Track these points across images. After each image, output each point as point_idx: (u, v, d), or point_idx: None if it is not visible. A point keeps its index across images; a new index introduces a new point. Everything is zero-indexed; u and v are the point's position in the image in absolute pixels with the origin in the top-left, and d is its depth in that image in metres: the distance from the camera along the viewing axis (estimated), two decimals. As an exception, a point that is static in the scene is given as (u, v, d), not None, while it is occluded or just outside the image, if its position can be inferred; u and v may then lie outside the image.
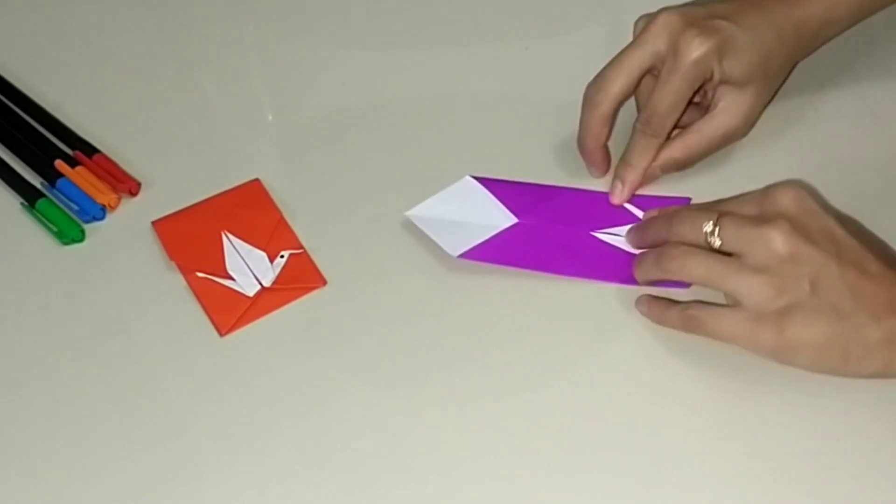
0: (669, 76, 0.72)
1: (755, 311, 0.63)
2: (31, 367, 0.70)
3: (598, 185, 0.77)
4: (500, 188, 0.76)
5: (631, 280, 0.71)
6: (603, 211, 0.75)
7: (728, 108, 0.74)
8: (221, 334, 0.71)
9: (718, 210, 0.66)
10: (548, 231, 0.74)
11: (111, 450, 0.66)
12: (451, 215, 0.75)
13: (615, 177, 0.75)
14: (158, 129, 0.83)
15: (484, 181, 0.76)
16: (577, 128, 0.76)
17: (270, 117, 0.87)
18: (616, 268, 0.72)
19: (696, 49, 0.71)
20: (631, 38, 0.74)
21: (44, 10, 0.92)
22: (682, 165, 0.76)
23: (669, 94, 0.72)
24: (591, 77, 0.75)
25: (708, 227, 0.65)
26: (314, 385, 0.68)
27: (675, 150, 0.75)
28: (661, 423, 0.65)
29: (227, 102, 0.87)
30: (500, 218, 0.75)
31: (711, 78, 0.73)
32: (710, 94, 0.75)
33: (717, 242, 0.65)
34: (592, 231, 0.74)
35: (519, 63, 0.86)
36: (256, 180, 0.78)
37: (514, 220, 0.75)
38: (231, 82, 0.88)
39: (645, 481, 0.63)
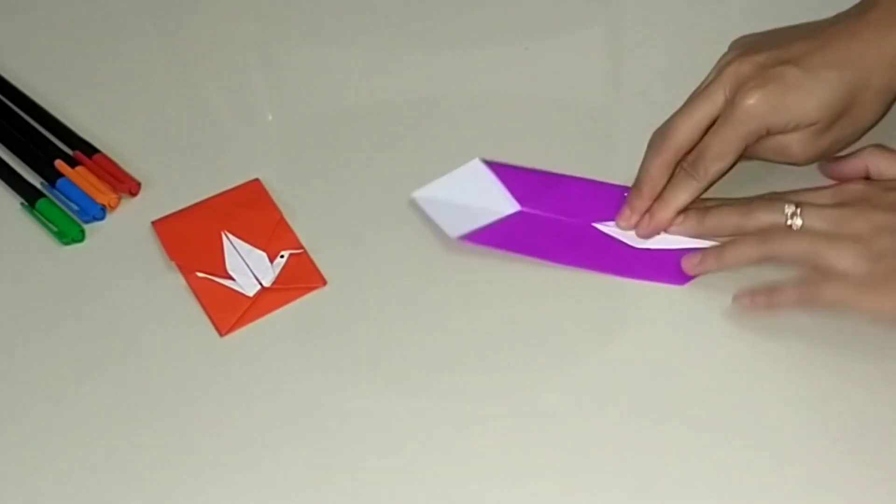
0: (722, 125, 0.71)
1: (864, 276, 0.65)
2: (31, 367, 0.70)
3: (606, 176, 0.76)
4: (507, 173, 0.76)
5: (628, 272, 0.71)
6: (608, 202, 0.74)
7: (792, 137, 0.72)
8: (221, 334, 0.71)
9: (794, 201, 0.68)
10: (549, 220, 0.74)
11: (111, 450, 0.66)
12: (455, 198, 0.75)
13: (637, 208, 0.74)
14: (158, 129, 0.83)
15: (493, 165, 0.76)
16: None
17: (270, 117, 0.87)
18: (615, 260, 0.72)
19: (751, 103, 0.70)
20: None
21: (44, 10, 0.92)
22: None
23: (718, 142, 0.71)
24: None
25: (790, 210, 0.67)
26: (314, 385, 0.68)
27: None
28: (660, 422, 0.65)
29: (227, 102, 0.87)
30: (503, 204, 0.75)
31: (769, 131, 0.71)
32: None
33: (798, 223, 0.67)
34: (594, 222, 0.74)
35: (519, 63, 0.86)
36: (256, 180, 0.78)
37: (518, 207, 0.75)
38: (231, 82, 0.88)
39: (645, 481, 0.63)
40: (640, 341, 0.69)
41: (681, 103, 0.73)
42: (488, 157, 0.79)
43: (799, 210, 0.67)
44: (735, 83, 0.71)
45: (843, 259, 0.65)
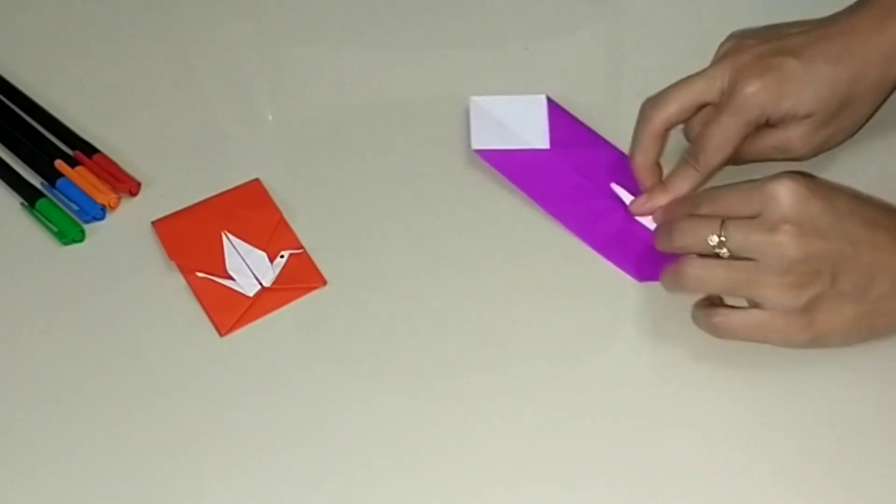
0: (721, 114, 0.71)
1: (782, 312, 0.64)
2: (31, 367, 0.70)
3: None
4: (559, 117, 0.79)
5: (601, 248, 0.73)
6: (632, 177, 0.75)
7: (792, 131, 0.72)
8: (221, 334, 0.71)
9: (718, 216, 0.65)
10: (564, 170, 0.76)
11: (111, 450, 0.66)
12: (502, 116, 0.79)
13: (646, 190, 0.74)
14: (158, 129, 0.83)
15: (552, 106, 0.79)
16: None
17: (270, 117, 0.87)
18: (598, 233, 0.73)
19: (750, 91, 0.70)
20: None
21: (44, 10, 0.92)
22: (735, 158, 0.73)
23: (718, 132, 0.71)
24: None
25: (713, 241, 0.65)
26: (314, 385, 0.68)
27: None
28: (660, 422, 0.65)
29: (227, 102, 0.87)
30: (537, 138, 0.77)
31: (768, 121, 0.71)
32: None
33: (725, 254, 0.65)
34: (612, 182, 0.75)
35: (519, 63, 0.86)
36: (256, 180, 0.78)
37: (547, 146, 0.77)
38: (231, 82, 0.88)
39: (645, 480, 0.63)
40: (641, 341, 0.69)
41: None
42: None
43: (724, 239, 0.64)
44: (734, 71, 0.71)
45: (766, 296, 0.64)
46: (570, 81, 0.83)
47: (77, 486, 0.65)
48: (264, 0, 0.93)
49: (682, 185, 0.73)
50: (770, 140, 0.73)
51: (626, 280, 0.72)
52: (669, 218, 0.70)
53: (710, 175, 0.73)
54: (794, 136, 0.72)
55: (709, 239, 0.65)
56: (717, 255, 0.65)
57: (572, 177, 0.76)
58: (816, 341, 0.65)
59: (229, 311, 0.72)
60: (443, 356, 0.69)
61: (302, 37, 0.91)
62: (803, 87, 0.70)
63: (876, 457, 0.63)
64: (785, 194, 0.64)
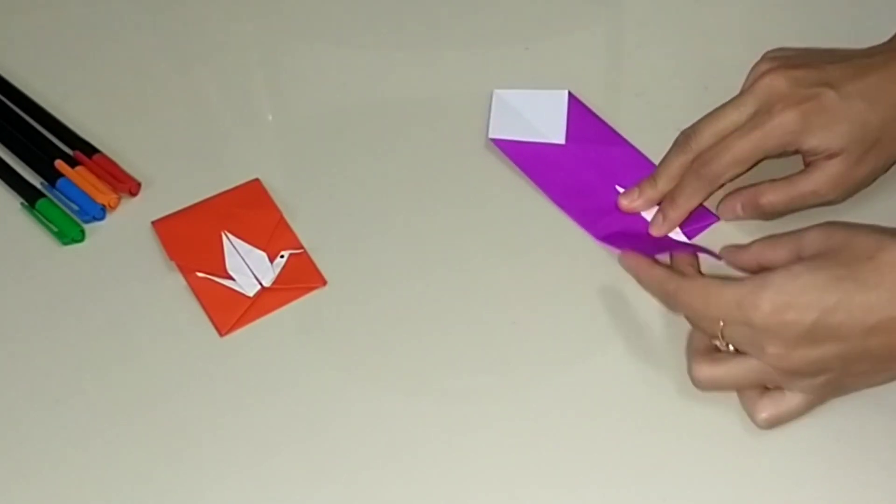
0: (748, 132, 0.70)
1: (805, 391, 0.63)
2: (31, 367, 0.70)
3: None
4: (579, 114, 0.80)
5: (614, 242, 0.73)
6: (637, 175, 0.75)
7: (820, 171, 0.70)
8: (221, 334, 0.71)
9: (714, 317, 0.63)
10: (580, 167, 0.77)
11: (111, 450, 0.66)
12: (523, 109, 0.80)
13: (659, 209, 0.74)
14: (158, 129, 0.83)
15: (573, 101, 0.80)
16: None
17: (270, 117, 0.87)
18: (610, 229, 0.74)
19: (784, 120, 0.69)
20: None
21: (44, 10, 0.92)
22: (765, 213, 0.73)
23: (738, 148, 0.70)
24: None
25: (719, 344, 0.64)
26: (314, 385, 0.68)
27: (761, 193, 0.72)
28: (660, 422, 0.65)
29: (227, 102, 0.87)
30: (555, 133, 0.78)
31: (797, 151, 0.70)
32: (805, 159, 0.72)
33: (732, 349, 0.64)
34: (618, 185, 0.76)
35: (519, 63, 0.86)
36: (256, 180, 0.78)
37: (563, 142, 0.78)
38: (231, 82, 0.88)
39: (644, 480, 0.63)
40: (641, 342, 0.69)
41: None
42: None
43: (726, 342, 0.63)
44: (769, 97, 0.70)
45: (783, 384, 0.63)
46: (570, 81, 0.83)
47: (77, 486, 0.65)
48: (264, 0, 0.93)
49: (692, 199, 0.72)
50: (800, 186, 0.71)
51: (626, 280, 0.72)
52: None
53: (716, 188, 0.72)
54: (823, 177, 0.70)
55: (712, 341, 0.64)
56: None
57: (584, 172, 0.77)
58: (850, 392, 0.65)
59: (229, 311, 0.72)
60: (443, 356, 0.69)
61: (302, 37, 0.91)
62: (838, 122, 0.69)
63: (876, 458, 0.63)
64: (768, 319, 0.61)
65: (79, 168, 0.79)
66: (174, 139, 0.83)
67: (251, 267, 0.74)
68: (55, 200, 0.78)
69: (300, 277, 0.73)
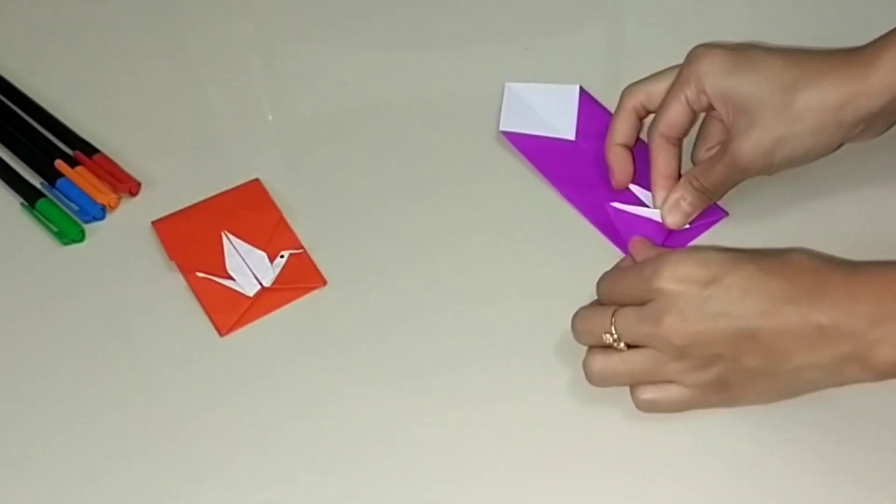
0: (675, 77, 0.72)
1: (693, 387, 0.63)
2: (31, 367, 0.70)
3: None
4: (590, 109, 0.80)
5: (621, 242, 0.73)
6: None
7: (737, 136, 0.70)
8: (221, 334, 0.71)
9: (613, 303, 0.64)
10: (588, 162, 0.77)
11: (111, 450, 0.66)
12: (534, 103, 0.81)
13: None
14: (158, 129, 0.83)
15: (584, 96, 0.81)
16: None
17: (270, 117, 0.87)
18: (613, 227, 0.74)
19: (696, 54, 0.71)
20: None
21: (44, 10, 0.92)
22: (705, 192, 0.72)
23: (668, 95, 0.72)
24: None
25: (608, 339, 0.64)
26: (314, 385, 0.68)
27: (692, 175, 0.73)
28: (660, 422, 0.65)
29: (227, 102, 0.87)
30: (565, 129, 0.79)
31: (706, 92, 0.70)
32: (727, 121, 0.71)
33: (623, 347, 0.64)
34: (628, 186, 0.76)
35: (519, 63, 0.86)
36: (256, 180, 0.78)
37: (573, 138, 0.79)
38: (231, 82, 0.88)
39: (644, 480, 0.63)
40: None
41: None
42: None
43: (616, 335, 0.63)
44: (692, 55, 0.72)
45: (673, 377, 0.63)
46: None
47: (77, 486, 0.65)
48: (264, 0, 0.93)
49: (655, 160, 0.73)
50: (721, 156, 0.71)
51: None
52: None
53: (667, 144, 0.73)
54: (737, 141, 0.70)
55: (603, 336, 0.64)
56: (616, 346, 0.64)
57: (592, 167, 0.77)
58: (738, 403, 0.64)
59: (229, 311, 0.72)
60: (442, 356, 0.69)
61: (302, 37, 0.91)
62: (760, 72, 0.69)
63: (876, 459, 0.63)
64: (668, 284, 0.62)
65: (79, 168, 0.79)
66: (174, 139, 0.83)
67: (251, 267, 0.74)
68: (55, 200, 0.78)
69: (300, 277, 0.73)
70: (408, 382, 0.68)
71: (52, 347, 0.71)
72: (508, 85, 0.82)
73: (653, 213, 0.74)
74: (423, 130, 0.82)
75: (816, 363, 0.61)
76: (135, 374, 0.69)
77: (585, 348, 0.67)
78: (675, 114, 0.72)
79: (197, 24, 0.91)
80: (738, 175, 0.71)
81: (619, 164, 0.75)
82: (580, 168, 0.77)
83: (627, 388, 0.66)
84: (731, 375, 0.62)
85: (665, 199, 0.73)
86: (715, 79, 0.70)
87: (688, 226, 0.74)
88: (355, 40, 0.89)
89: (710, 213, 0.74)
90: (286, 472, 0.65)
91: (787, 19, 0.85)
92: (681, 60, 0.74)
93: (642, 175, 0.75)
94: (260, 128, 0.85)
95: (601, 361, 0.65)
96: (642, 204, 0.75)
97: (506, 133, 0.80)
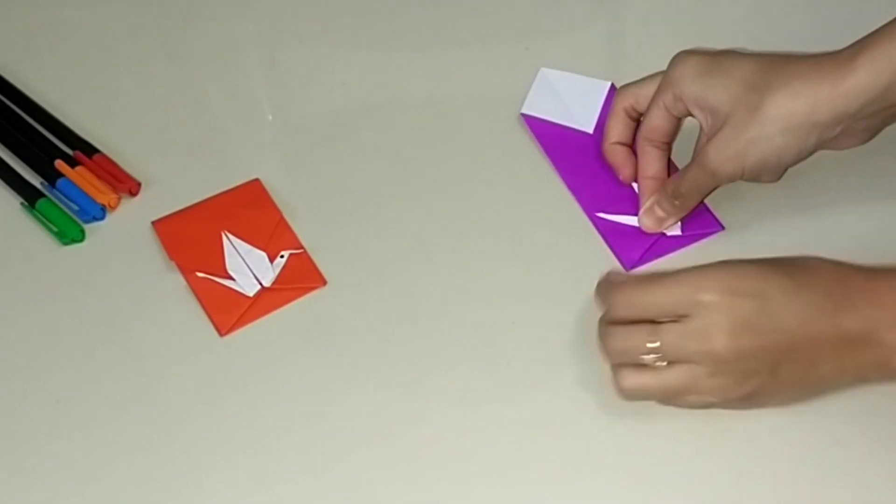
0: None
1: (722, 398, 0.63)
2: (31, 367, 0.70)
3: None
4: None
5: (623, 255, 0.73)
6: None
7: (708, 139, 0.69)
8: (221, 334, 0.71)
9: (647, 318, 0.63)
10: (599, 158, 0.77)
11: (111, 450, 0.66)
12: (562, 91, 0.81)
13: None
14: (158, 129, 0.83)
15: (613, 93, 0.79)
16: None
17: (270, 117, 0.87)
18: (614, 226, 0.75)
19: (675, 60, 0.71)
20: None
21: (44, 10, 0.92)
22: (678, 197, 0.72)
23: (651, 101, 0.73)
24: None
25: (648, 358, 0.62)
26: (314, 385, 0.68)
27: (668, 181, 0.73)
28: (661, 422, 0.65)
29: (227, 102, 0.87)
30: (586, 121, 0.79)
31: (683, 98, 0.70)
32: (704, 126, 0.71)
33: (662, 363, 0.63)
34: (635, 182, 0.76)
35: (519, 63, 0.86)
36: (256, 180, 0.78)
37: (591, 131, 0.79)
38: (231, 82, 0.88)
39: (644, 480, 0.63)
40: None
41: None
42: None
43: (657, 346, 0.62)
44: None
45: (708, 390, 0.63)
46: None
47: (77, 486, 0.65)
48: (264, 0, 0.93)
49: (642, 164, 0.74)
50: (694, 161, 0.71)
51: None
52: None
53: (661, 149, 0.73)
54: (709, 143, 0.69)
55: (642, 357, 0.63)
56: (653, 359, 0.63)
57: (601, 162, 0.77)
58: (756, 408, 0.64)
59: (229, 311, 0.72)
60: (442, 356, 0.69)
61: (302, 37, 0.91)
62: (729, 76, 0.69)
63: (875, 459, 0.63)
64: (715, 296, 0.61)
65: (79, 168, 0.79)
66: (174, 139, 0.83)
67: (251, 267, 0.74)
68: (55, 200, 0.78)
69: (300, 277, 0.73)
70: (408, 382, 0.68)
71: (52, 347, 0.71)
72: (543, 70, 0.83)
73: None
74: (423, 130, 0.82)
75: (843, 370, 0.62)
76: (135, 374, 0.69)
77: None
78: (656, 119, 0.73)
79: (197, 24, 0.91)
80: (709, 179, 0.70)
81: (620, 160, 0.75)
82: (591, 162, 0.77)
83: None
84: (763, 388, 0.62)
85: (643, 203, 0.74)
86: (689, 84, 0.70)
87: (679, 233, 0.74)
88: (355, 40, 0.89)
89: (705, 225, 0.74)
90: (286, 472, 0.65)
91: (787, 19, 0.85)
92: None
93: None
94: (260, 128, 0.85)
95: (635, 379, 0.63)
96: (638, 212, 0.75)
97: (526, 116, 0.80)
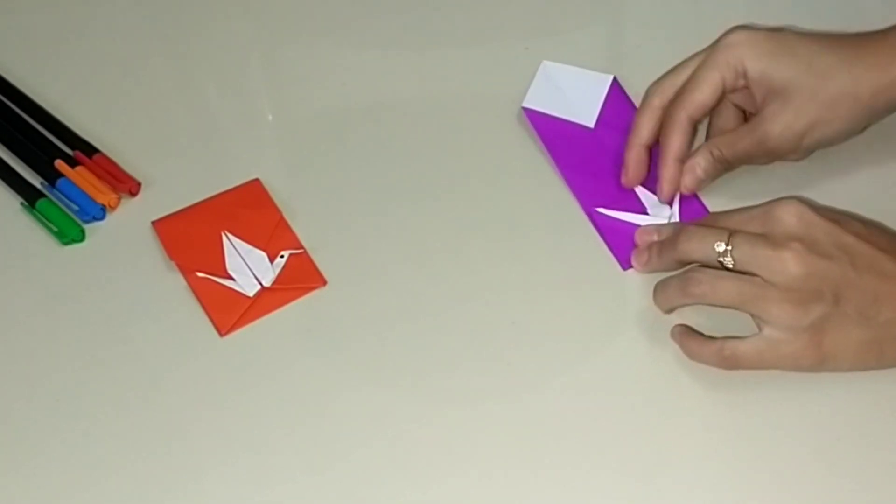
0: (703, 60, 0.72)
1: (788, 331, 0.64)
2: (31, 367, 0.70)
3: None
4: (617, 100, 0.81)
5: (605, 233, 0.74)
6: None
7: (766, 118, 0.71)
8: (221, 334, 0.71)
9: (727, 229, 0.65)
10: (599, 152, 0.77)
11: (111, 450, 0.66)
12: (564, 85, 0.81)
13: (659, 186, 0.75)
14: (158, 129, 0.83)
15: (615, 88, 0.81)
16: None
17: (270, 117, 0.87)
18: (609, 218, 0.75)
19: (735, 36, 0.71)
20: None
21: (44, 10, 0.92)
22: (723, 163, 0.73)
23: (695, 74, 0.72)
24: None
25: (720, 247, 0.65)
26: (314, 385, 0.68)
27: (714, 145, 0.73)
28: (661, 422, 0.65)
29: (227, 102, 0.87)
30: (587, 115, 0.78)
31: (746, 74, 0.71)
32: (758, 101, 0.72)
33: (729, 263, 0.64)
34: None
35: (519, 63, 0.86)
36: (256, 180, 0.78)
37: (592, 126, 0.79)
38: (231, 82, 0.88)
39: (644, 480, 0.63)
40: (641, 341, 0.69)
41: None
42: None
43: (729, 249, 0.64)
44: (727, 41, 0.72)
45: (772, 313, 0.63)
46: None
47: (77, 486, 0.65)
48: (264, 0, 0.93)
49: (673, 146, 0.72)
50: (745, 128, 0.72)
51: (626, 280, 0.72)
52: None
53: (691, 132, 0.73)
54: (769, 122, 0.71)
55: (716, 245, 0.65)
56: (721, 266, 0.65)
57: (603, 159, 0.77)
58: (825, 364, 0.64)
59: (229, 311, 0.72)
60: (442, 356, 0.69)
61: (302, 37, 0.91)
62: (794, 56, 0.70)
63: (876, 457, 0.63)
64: (790, 215, 0.64)
65: (79, 168, 0.79)
66: (174, 139, 0.83)
67: (251, 267, 0.74)
68: (55, 200, 0.78)
69: (300, 277, 0.73)
70: (408, 382, 0.68)
71: (52, 347, 0.71)
72: (545, 63, 0.82)
73: (638, 219, 0.74)
74: (423, 131, 0.82)
75: None
76: (135, 374, 0.69)
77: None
78: (707, 96, 0.72)
79: (197, 24, 0.91)
80: (763, 154, 0.72)
81: (637, 165, 0.75)
82: (590, 157, 0.77)
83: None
84: (826, 324, 0.63)
85: (678, 156, 0.73)
86: (757, 61, 0.71)
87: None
88: (355, 40, 0.89)
89: (696, 213, 0.74)
90: (286, 472, 0.65)
91: (787, 19, 0.85)
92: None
93: (649, 177, 0.75)
94: (260, 128, 0.85)
95: (712, 275, 0.65)
96: (638, 209, 0.75)
97: (527, 110, 0.80)
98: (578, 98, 0.80)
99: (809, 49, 0.71)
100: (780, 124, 0.71)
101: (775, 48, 0.71)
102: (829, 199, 0.70)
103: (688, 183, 0.73)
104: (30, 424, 0.68)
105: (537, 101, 0.80)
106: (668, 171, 0.73)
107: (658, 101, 0.74)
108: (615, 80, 0.82)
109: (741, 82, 0.72)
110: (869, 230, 0.65)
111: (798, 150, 0.72)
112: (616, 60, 0.88)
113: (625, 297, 0.71)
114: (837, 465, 0.63)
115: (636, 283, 0.71)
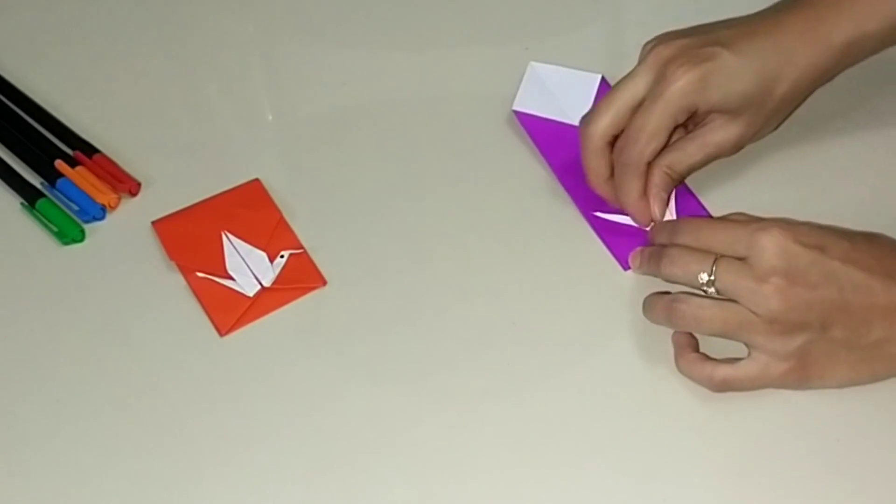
0: (651, 104, 0.70)
1: (774, 355, 0.63)
2: (31, 367, 0.70)
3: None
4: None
5: (602, 232, 0.74)
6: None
7: (714, 131, 0.71)
8: (221, 334, 0.71)
9: (711, 252, 0.64)
10: None
11: (111, 450, 0.66)
12: (553, 86, 0.81)
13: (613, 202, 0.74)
14: (158, 129, 0.83)
15: (605, 87, 0.81)
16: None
17: (270, 117, 0.87)
18: (599, 231, 0.74)
19: (679, 79, 0.69)
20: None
21: (44, 10, 0.92)
22: (678, 179, 0.73)
23: (648, 122, 0.70)
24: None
25: (703, 278, 0.64)
26: (314, 385, 0.68)
27: (667, 166, 0.72)
28: (661, 422, 0.65)
29: (227, 102, 0.87)
30: (577, 114, 0.77)
31: (696, 112, 0.70)
32: (698, 117, 0.72)
33: (713, 293, 0.64)
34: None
35: (519, 63, 0.85)
36: (256, 180, 0.78)
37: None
38: (231, 82, 0.88)
39: (644, 480, 0.63)
40: (641, 341, 0.69)
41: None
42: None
43: (713, 279, 0.63)
44: (660, 64, 0.70)
45: (756, 342, 0.63)
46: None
47: (77, 486, 0.65)
48: (264, 0, 0.93)
49: (631, 188, 0.71)
50: (694, 144, 0.72)
51: (626, 280, 0.72)
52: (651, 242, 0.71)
53: (642, 168, 0.71)
54: (718, 135, 0.71)
55: (699, 276, 0.64)
56: (703, 292, 0.64)
57: None
58: (812, 384, 0.64)
59: (229, 311, 0.72)
60: (442, 356, 0.69)
61: (302, 37, 0.91)
62: (734, 80, 0.70)
63: (875, 457, 0.63)
64: (772, 246, 0.62)
65: (79, 168, 0.79)
66: (174, 139, 0.83)
67: (251, 267, 0.74)
68: (55, 200, 0.78)
69: (300, 277, 0.73)
70: (408, 382, 0.68)
71: (51, 347, 0.71)
72: (532, 64, 0.82)
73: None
74: (423, 130, 0.82)
75: (893, 336, 0.63)
76: (135, 374, 0.70)
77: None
78: (662, 142, 0.71)
79: (197, 24, 0.91)
80: (709, 161, 0.73)
81: (614, 196, 0.74)
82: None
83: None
84: (813, 348, 0.63)
85: (642, 195, 0.72)
86: (706, 100, 0.70)
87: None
88: (355, 40, 0.89)
89: (693, 210, 0.75)
90: (286, 472, 0.65)
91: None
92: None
93: None
94: (260, 128, 0.85)
95: (696, 305, 0.64)
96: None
97: (518, 113, 0.80)
98: (568, 98, 0.80)
99: (751, 67, 0.70)
100: (730, 136, 0.71)
101: (725, 78, 0.69)
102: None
103: (658, 213, 0.72)
104: (30, 424, 0.68)
105: (527, 103, 0.81)
106: (635, 209, 0.72)
107: (602, 143, 0.72)
108: (603, 78, 0.81)
109: (693, 119, 0.72)
110: (856, 248, 0.64)
111: (737, 151, 0.72)
112: (616, 61, 0.88)
113: (625, 298, 0.71)
114: (837, 465, 0.63)
115: (636, 284, 0.71)
